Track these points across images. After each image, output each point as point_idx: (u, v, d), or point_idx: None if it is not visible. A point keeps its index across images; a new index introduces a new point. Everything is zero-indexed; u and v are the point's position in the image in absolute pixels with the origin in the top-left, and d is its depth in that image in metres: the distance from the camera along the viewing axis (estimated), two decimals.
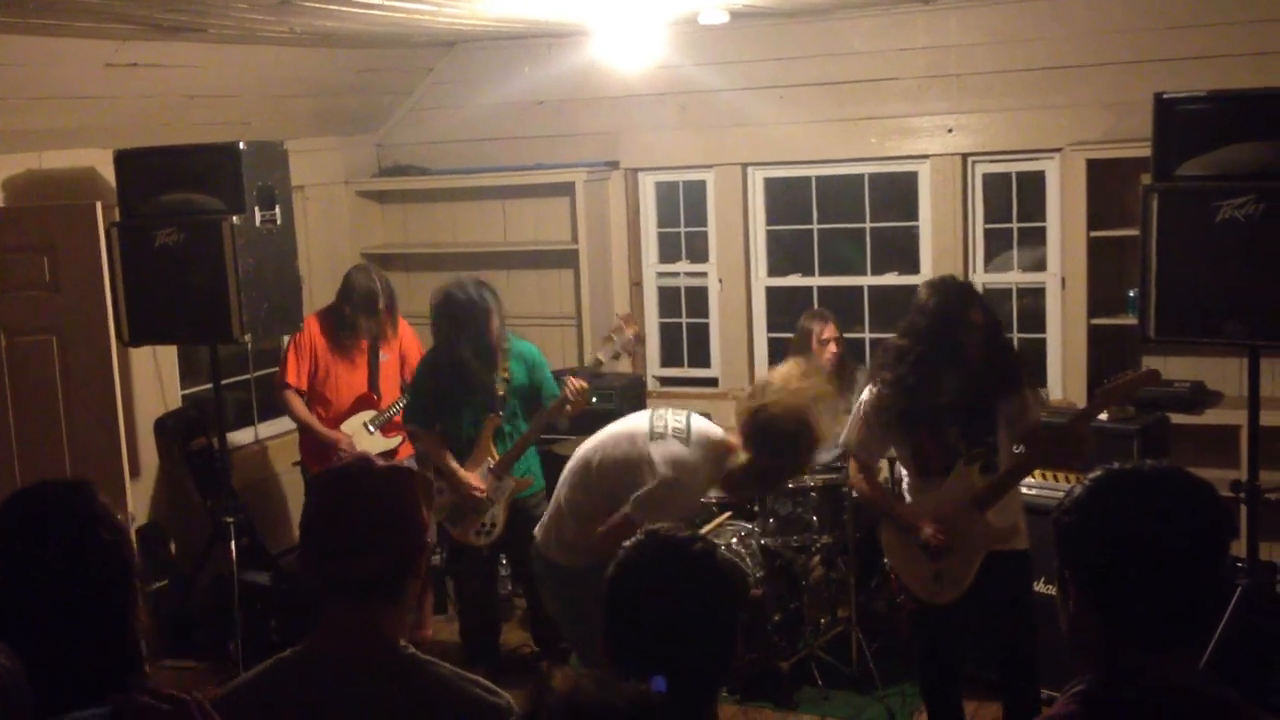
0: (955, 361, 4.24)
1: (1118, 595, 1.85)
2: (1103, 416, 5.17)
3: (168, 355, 6.37)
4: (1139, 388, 4.37)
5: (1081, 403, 6.00)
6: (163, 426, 6.32)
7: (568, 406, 5.26)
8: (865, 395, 4.47)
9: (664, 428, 4.11)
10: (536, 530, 4.38)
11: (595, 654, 2.75)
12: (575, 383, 5.24)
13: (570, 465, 4.33)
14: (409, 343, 6.26)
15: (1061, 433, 4.30)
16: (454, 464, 5.41)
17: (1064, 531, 1.92)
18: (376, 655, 2.21)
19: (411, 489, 2.29)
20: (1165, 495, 1.87)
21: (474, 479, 5.39)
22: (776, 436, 3.92)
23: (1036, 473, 4.83)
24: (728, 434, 4.15)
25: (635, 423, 4.23)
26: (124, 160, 5.47)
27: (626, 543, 2.21)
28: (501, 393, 5.39)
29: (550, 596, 4.41)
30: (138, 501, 5.97)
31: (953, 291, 4.32)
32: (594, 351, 5.52)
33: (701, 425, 4.14)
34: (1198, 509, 1.86)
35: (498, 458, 5.41)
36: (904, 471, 4.55)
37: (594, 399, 5.55)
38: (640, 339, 5.49)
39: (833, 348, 6.03)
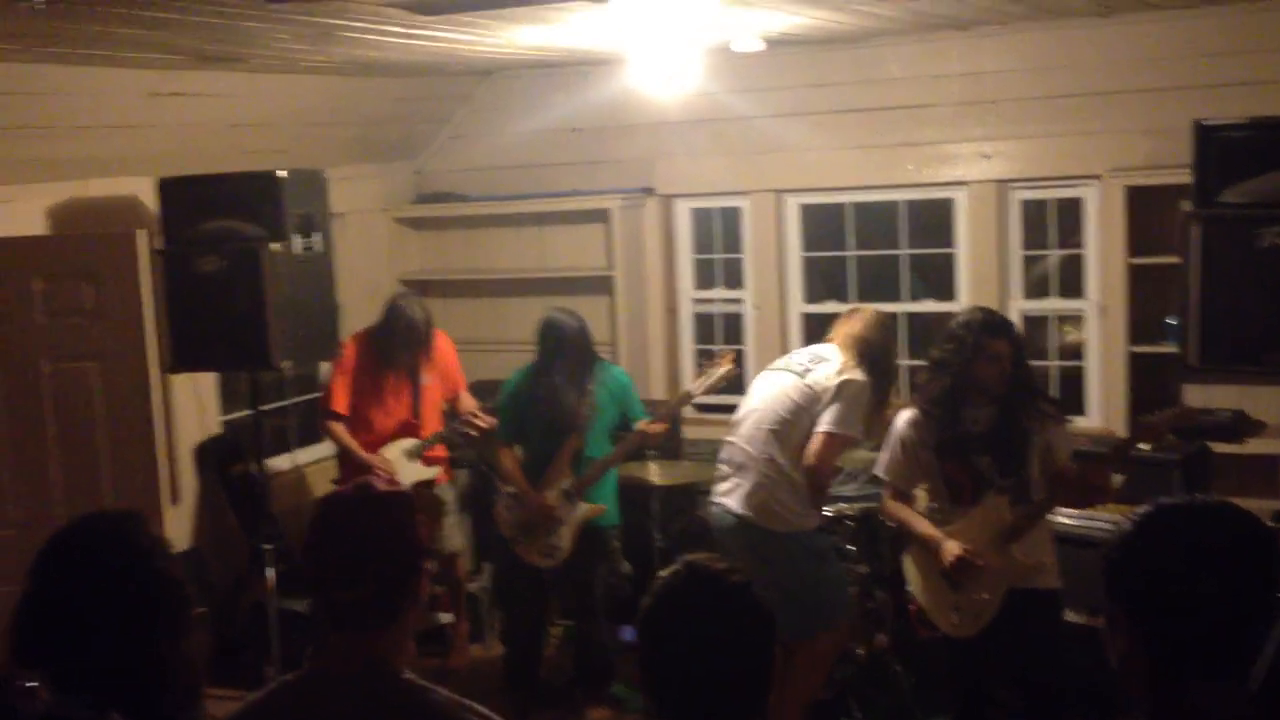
0: (979, 392, 4.24)
1: (1167, 630, 1.85)
2: (1144, 447, 5.13)
3: (208, 382, 6.42)
4: (1170, 427, 4.33)
5: (1121, 432, 5.95)
6: (203, 453, 6.37)
7: (648, 439, 5.42)
8: (900, 421, 4.47)
9: (801, 366, 4.91)
10: (760, 519, 4.83)
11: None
12: (655, 426, 5.37)
13: (745, 451, 4.90)
14: (449, 357, 6.28)
15: (1080, 482, 4.26)
16: (524, 482, 5.47)
17: (1112, 567, 1.92)
18: (373, 679, 2.22)
19: (408, 513, 2.30)
20: (1213, 530, 1.87)
21: (543, 498, 5.41)
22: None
23: None
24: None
25: (778, 381, 4.94)
26: (167, 188, 5.51)
27: (663, 573, 2.21)
28: (583, 413, 5.42)
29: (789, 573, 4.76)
30: (178, 527, 6.02)
31: (972, 324, 4.32)
32: (688, 385, 5.59)
33: (822, 348, 4.96)
34: (1246, 544, 1.86)
35: (572, 480, 5.43)
36: (933, 502, 4.53)
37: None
38: (730, 378, 5.55)
39: None
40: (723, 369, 5.41)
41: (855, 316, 4.96)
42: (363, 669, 2.23)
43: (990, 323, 4.37)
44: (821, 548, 5.00)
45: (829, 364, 4.86)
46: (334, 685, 2.23)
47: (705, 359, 5.73)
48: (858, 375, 4.78)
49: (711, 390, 5.50)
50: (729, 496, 4.94)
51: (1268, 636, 1.85)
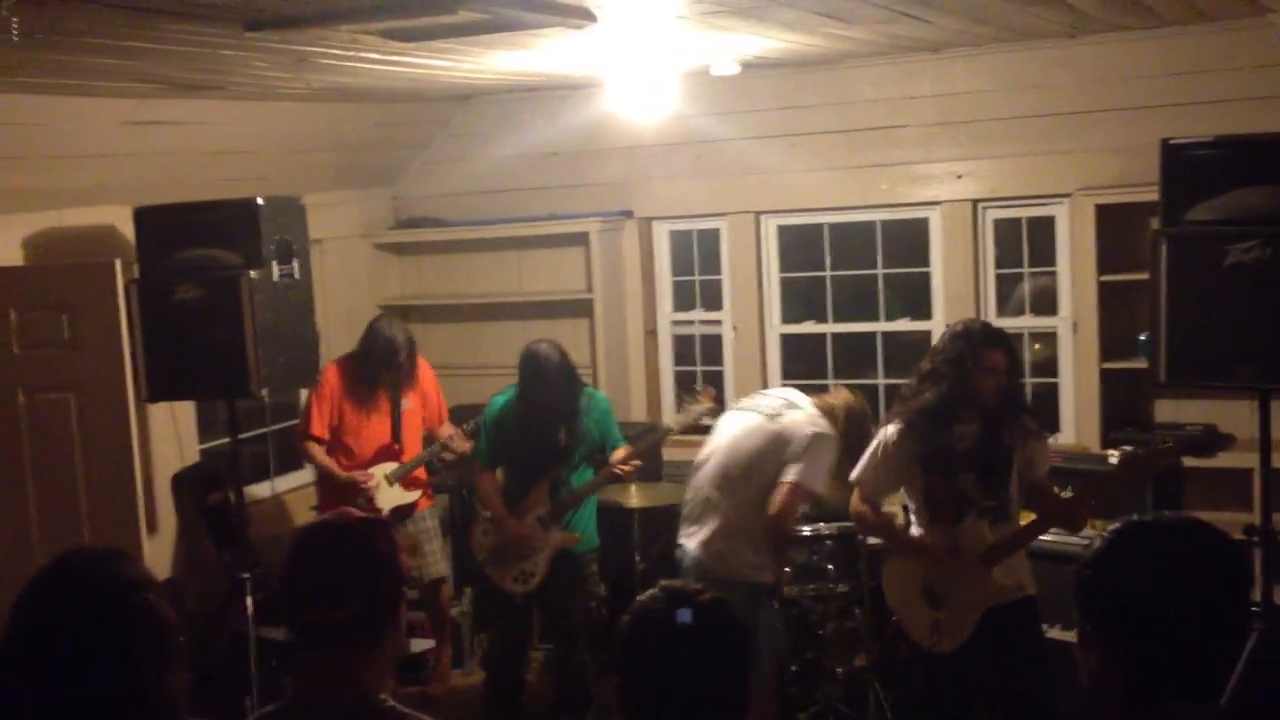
0: (971, 405, 4.25)
1: (1138, 648, 1.87)
2: (1114, 460, 5.18)
3: (185, 410, 6.40)
4: (1159, 462, 4.36)
5: (1095, 447, 6.00)
6: (180, 482, 6.35)
7: (623, 472, 5.40)
8: (884, 433, 4.46)
9: (770, 408, 4.75)
10: (715, 566, 4.64)
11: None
12: (628, 466, 5.35)
13: (707, 494, 4.77)
14: (430, 385, 6.29)
15: (1063, 507, 4.32)
16: (501, 508, 5.47)
17: (1084, 585, 1.94)
18: (353, 705, 2.23)
19: (388, 539, 2.32)
20: (1185, 550, 1.89)
21: (521, 528, 5.41)
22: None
23: None
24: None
25: (744, 422, 4.80)
26: (143, 217, 5.51)
27: (639, 597, 2.22)
28: (565, 444, 5.42)
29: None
30: (156, 557, 5.98)
31: (971, 334, 4.33)
32: (669, 419, 5.60)
33: (794, 393, 4.84)
34: (1217, 564, 1.88)
35: (549, 508, 5.43)
36: (911, 517, 4.54)
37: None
38: (716, 413, 5.55)
39: None
40: (703, 406, 5.43)
41: (836, 393, 4.95)
42: (343, 695, 2.23)
43: (989, 333, 4.36)
44: (768, 608, 4.81)
45: (800, 411, 4.74)
46: (314, 710, 2.24)
47: (685, 391, 5.72)
48: (829, 429, 4.70)
49: (689, 427, 5.53)
50: (691, 539, 4.84)
51: (1239, 656, 1.88)
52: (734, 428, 4.86)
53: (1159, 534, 1.93)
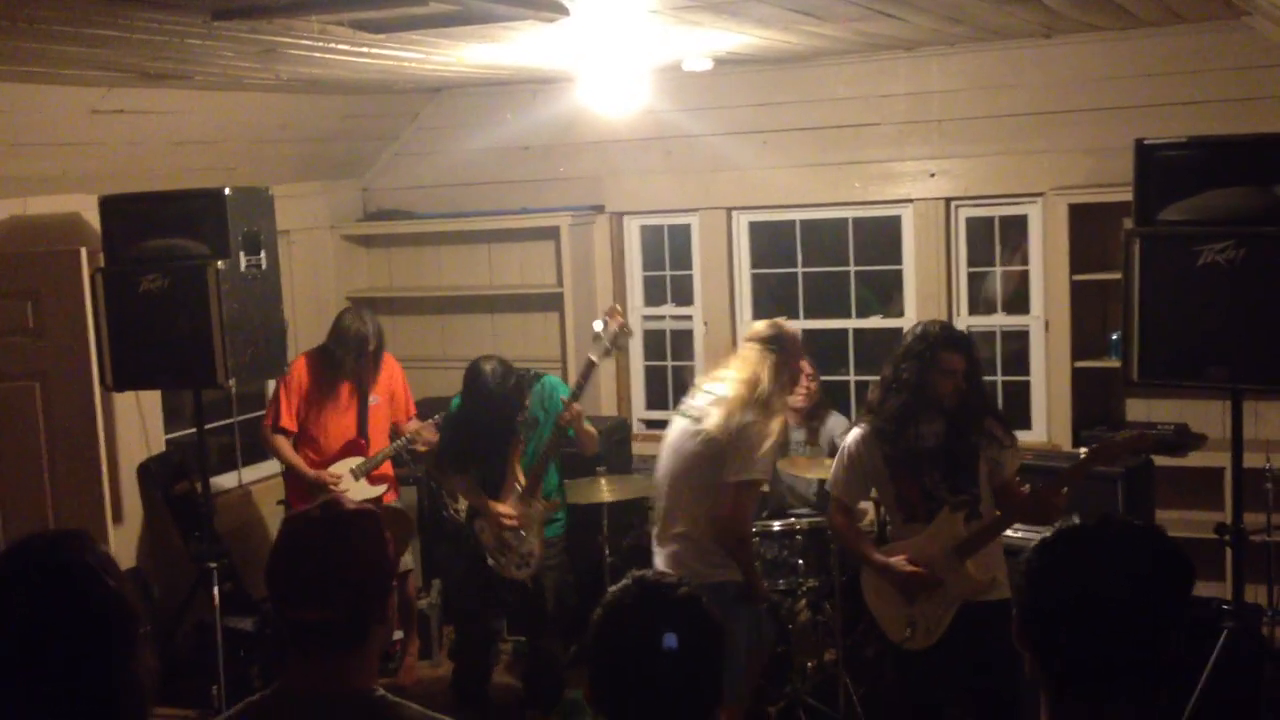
0: (930, 406, 4.26)
1: (1057, 648, 1.90)
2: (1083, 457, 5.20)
3: (151, 400, 6.35)
4: (1129, 450, 4.35)
5: (1066, 446, 6.02)
6: (146, 471, 6.30)
7: (569, 424, 5.35)
8: (850, 437, 4.48)
9: (698, 410, 4.59)
10: (675, 570, 4.42)
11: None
12: (569, 412, 5.30)
13: (661, 506, 4.69)
14: (398, 381, 6.26)
15: (1033, 498, 4.33)
16: (481, 500, 5.44)
17: (1018, 589, 1.99)
18: (344, 696, 2.20)
19: (378, 532, 2.26)
20: (1110, 555, 1.89)
21: (504, 508, 5.38)
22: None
23: None
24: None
25: (678, 428, 4.67)
26: (109, 206, 5.45)
27: (612, 588, 2.20)
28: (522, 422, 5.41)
29: None
30: (121, 547, 5.94)
31: (929, 335, 4.34)
32: (587, 353, 5.51)
33: (717, 386, 4.62)
34: (1154, 569, 1.88)
35: (524, 481, 5.40)
36: (886, 517, 4.55)
37: (587, 421, 5.52)
38: (627, 331, 5.50)
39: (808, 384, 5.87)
40: (613, 328, 5.34)
41: (744, 353, 4.66)
42: (332, 686, 2.20)
43: (947, 336, 4.36)
44: (741, 606, 4.54)
45: (723, 406, 4.55)
46: (305, 702, 2.20)
47: (597, 318, 5.62)
48: (751, 415, 4.48)
49: (612, 351, 5.46)
50: (654, 542, 4.76)
51: (1179, 659, 1.88)
52: (673, 434, 4.75)
53: (1086, 540, 1.93)
